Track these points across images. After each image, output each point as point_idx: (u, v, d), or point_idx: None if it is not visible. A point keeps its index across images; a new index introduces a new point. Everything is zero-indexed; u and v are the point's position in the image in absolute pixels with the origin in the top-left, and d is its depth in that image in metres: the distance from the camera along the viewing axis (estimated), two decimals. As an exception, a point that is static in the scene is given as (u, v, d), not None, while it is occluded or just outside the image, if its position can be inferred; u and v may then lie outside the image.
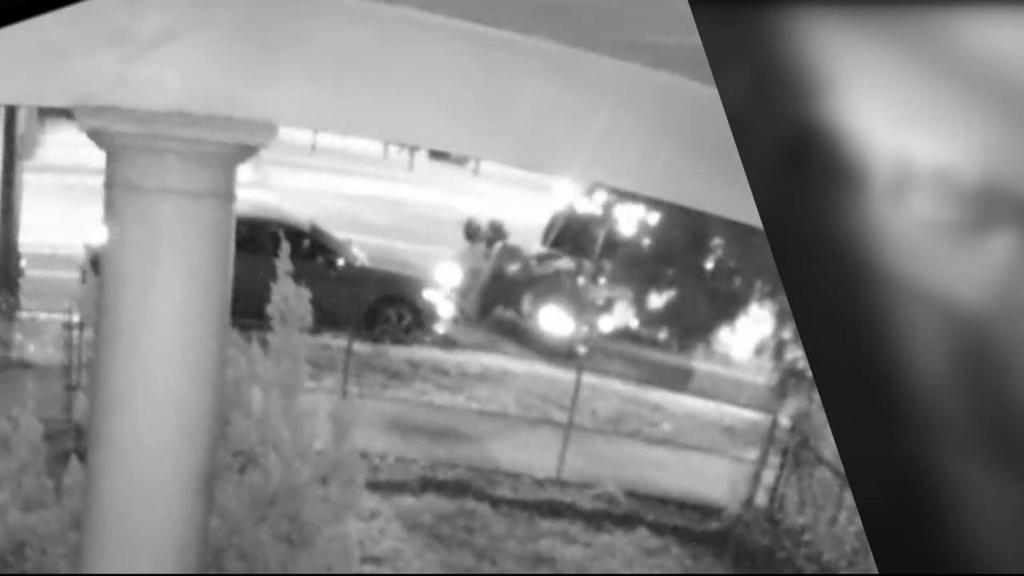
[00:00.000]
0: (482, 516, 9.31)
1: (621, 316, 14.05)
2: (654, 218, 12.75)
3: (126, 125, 3.44)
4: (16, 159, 12.85)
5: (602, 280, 14.46)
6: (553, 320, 14.17)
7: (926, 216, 1.06)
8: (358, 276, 12.97)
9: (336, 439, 6.22)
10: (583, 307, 14.13)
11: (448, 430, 10.96)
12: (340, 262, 13.05)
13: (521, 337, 14.23)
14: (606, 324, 14.24)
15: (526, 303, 14.42)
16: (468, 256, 15.05)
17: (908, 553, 1.10)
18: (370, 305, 12.91)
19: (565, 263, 14.86)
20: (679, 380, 13.86)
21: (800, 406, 9.99)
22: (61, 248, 13.23)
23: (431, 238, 18.14)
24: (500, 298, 14.60)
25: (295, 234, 12.25)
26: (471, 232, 15.29)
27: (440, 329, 13.39)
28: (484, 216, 16.18)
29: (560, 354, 13.61)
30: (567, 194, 15.88)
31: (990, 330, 1.04)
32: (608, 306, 14.12)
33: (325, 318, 11.84)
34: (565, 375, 12.30)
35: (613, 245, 13.93)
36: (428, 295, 13.35)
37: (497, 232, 15.23)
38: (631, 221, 13.54)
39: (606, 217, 14.62)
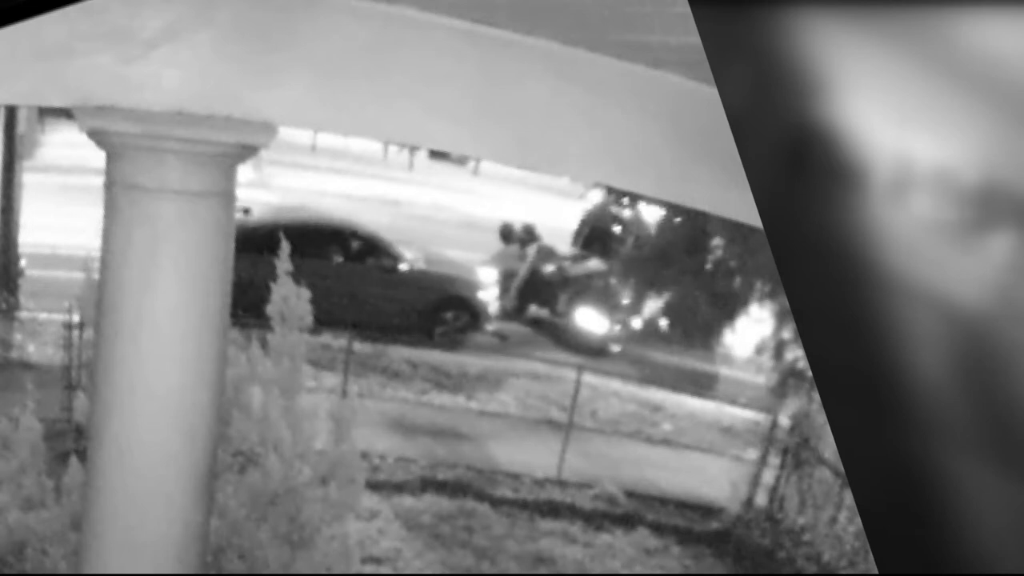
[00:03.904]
0: (482, 516, 9.31)
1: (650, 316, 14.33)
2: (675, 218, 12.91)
3: (126, 125, 3.44)
4: (16, 159, 12.84)
5: (632, 280, 14.71)
6: (587, 319, 14.51)
7: (926, 216, 1.06)
8: (418, 279, 13.23)
9: (336, 439, 6.22)
10: (615, 307, 14.39)
11: (448, 430, 10.96)
12: (404, 266, 13.24)
13: (556, 336, 14.52)
14: (637, 323, 14.51)
15: (561, 303, 14.77)
16: (503, 257, 15.39)
17: (908, 553, 1.10)
18: (431, 306, 13.19)
19: (596, 264, 15.13)
20: (686, 382, 13.89)
21: (800, 406, 9.99)
22: (61, 248, 13.22)
23: (431, 238, 18.14)
24: (535, 298, 14.96)
25: (356, 239, 12.89)
26: (506, 234, 15.65)
27: (490, 327, 13.76)
28: (483, 217, 16.41)
29: (594, 352, 13.96)
30: (593, 198, 16.13)
31: (990, 330, 1.04)
32: (638, 306, 14.39)
33: (388, 322, 12.44)
34: (565, 375, 12.30)
35: (640, 246, 14.17)
36: (482, 295, 13.70)
37: (530, 234, 15.60)
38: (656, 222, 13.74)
39: (636, 219, 14.82)
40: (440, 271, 13.58)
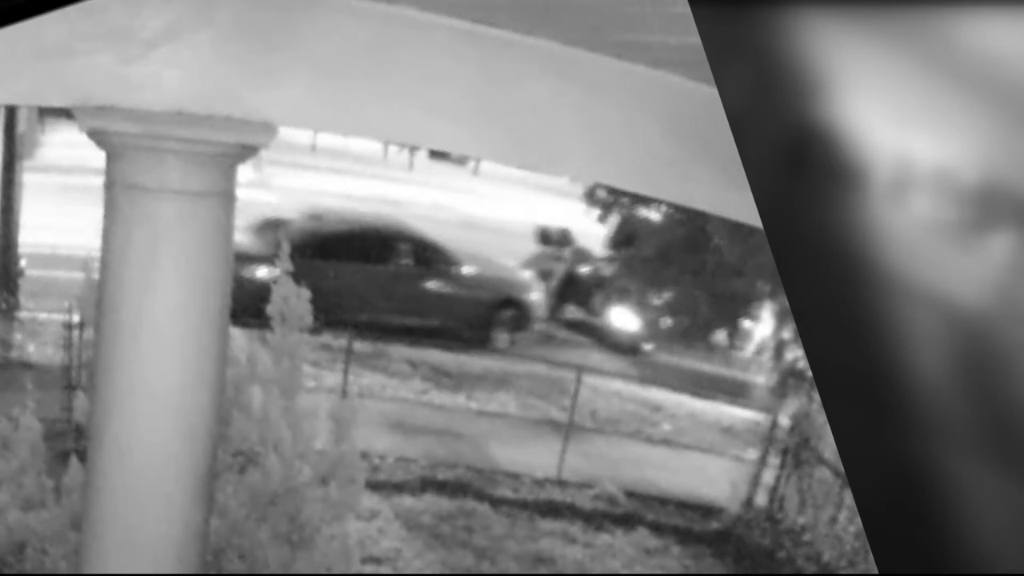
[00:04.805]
0: (482, 516, 9.31)
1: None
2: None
3: (126, 125, 3.44)
4: (16, 159, 12.83)
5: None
6: (621, 319, 15.00)
7: (926, 216, 1.06)
8: (477, 282, 13.90)
9: (336, 439, 6.22)
10: (646, 307, 14.82)
11: (448, 430, 10.96)
12: (468, 271, 13.82)
13: (592, 335, 15.06)
14: (666, 323, 14.91)
15: (595, 303, 15.34)
16: (539, 259, 16.03)
17: (908, 553, 1.10)
18: (489, 307, 13.85)
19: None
20: (686, 382, 13.94)
21: (800, 406, 9.99)
22: (61, 248, 13.22)
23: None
24: (571, 298, 15.61)
25: (416, 243, 13.62)
26: (543, 237, 16.42)
27: (537, 327, 14.44)
28: (483, 217, 16.77)
29: (628, 351, 14.53)
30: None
31: (990, 330, 1.04)
32: (668, 306, 14.84)
33: (451, 322, 13.27)
34: (565, 375, 12.31)
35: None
36: (531, 296, 14.36)
37: (565, 237, 16.32)
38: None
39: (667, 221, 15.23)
40: (493, 274, 14.20)
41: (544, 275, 15.37)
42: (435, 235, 14.53)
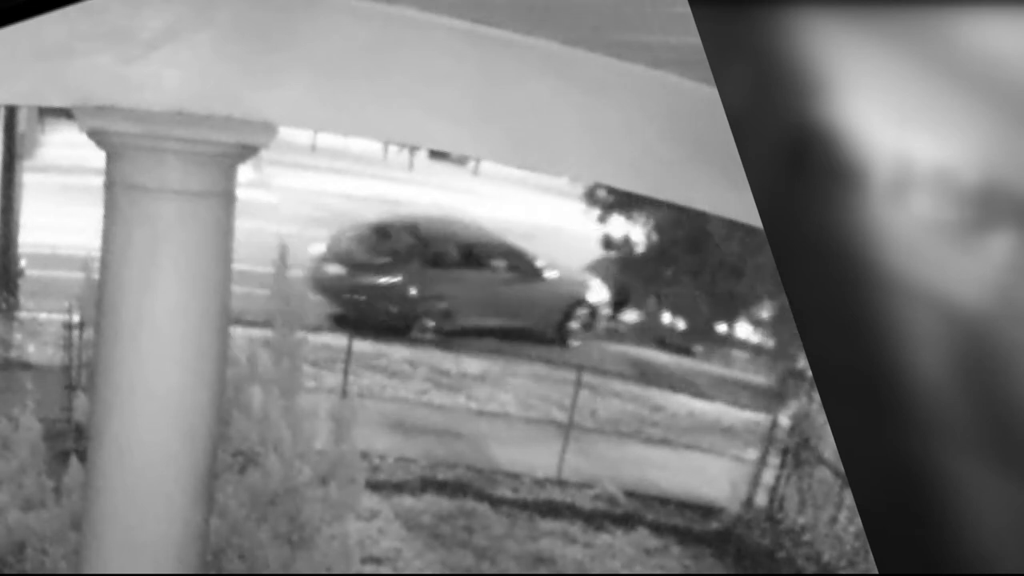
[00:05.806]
0: (482, 516, 9.31)
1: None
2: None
3: (126, 125, 3.44)
4: (16, 159, 12.83)
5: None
6: (672, 319, 15.83)
7: (926, 216, 1.06)
8: (558, 285, 14.99)
9: (336, 439, 6.22)
10: (695, 308, 15.36)
11: (448, 430, 10.96)
12: (553, 275, 14.79)
13: (648, 333, 15.83)
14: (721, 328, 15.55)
15: (651, 303, 16.23)
16: (602, 264, 16.80)
17: (908, 553, 1.10)
18: (568, 307, 14.96)
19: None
20: (686, 382, 13.97)
21: (800, 406, 9.99)
22: (61, 248, 13.22)
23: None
24: (629, 299, 16.46)
25: (507, 251, 14.75)
26: (606, 243, 17.29)
27: (604, 325, 15.42)
28: (483, 217, 17.12)
29: (679, 350, 15.22)
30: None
31: (990, 330, 1.04)
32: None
33: (537, 321, 14.37)
34: (565, 375, 12.31)
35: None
36: (600, 297, 15.40)
37: (626, 243, 17.03)
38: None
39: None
40: (568, 276, 15.25)
41: (607, 278, 16.16)
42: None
